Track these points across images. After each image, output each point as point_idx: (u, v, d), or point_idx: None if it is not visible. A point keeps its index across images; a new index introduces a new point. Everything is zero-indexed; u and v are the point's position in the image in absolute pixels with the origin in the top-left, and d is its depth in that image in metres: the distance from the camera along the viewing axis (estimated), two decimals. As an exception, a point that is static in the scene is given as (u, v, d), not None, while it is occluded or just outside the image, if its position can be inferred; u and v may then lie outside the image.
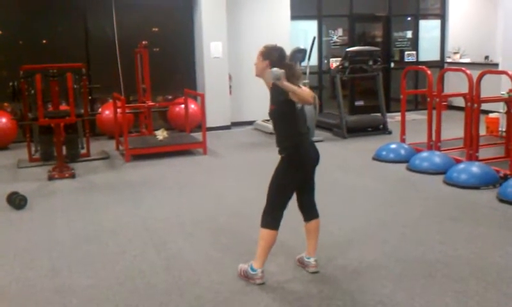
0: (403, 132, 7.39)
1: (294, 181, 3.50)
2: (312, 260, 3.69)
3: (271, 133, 8.65)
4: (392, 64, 11.76)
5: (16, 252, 4.26)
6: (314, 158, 3.54)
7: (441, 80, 7.14)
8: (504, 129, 7.23)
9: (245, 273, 3.58)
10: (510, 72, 6.06)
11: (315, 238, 3.70)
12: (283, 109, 3.40)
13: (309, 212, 3.69)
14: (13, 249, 4.33)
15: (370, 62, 9.23)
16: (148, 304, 3.34)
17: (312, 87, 9.18)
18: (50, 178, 6.56)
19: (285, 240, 4.21)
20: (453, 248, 4.06)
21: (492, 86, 7.26)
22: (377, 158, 7.12)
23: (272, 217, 3.47)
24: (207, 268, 3.83)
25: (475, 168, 5.79)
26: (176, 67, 10.26)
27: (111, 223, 4.89)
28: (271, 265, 3.78)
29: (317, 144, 3.66)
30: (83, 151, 7.67)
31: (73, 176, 6.66)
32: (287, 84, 3.18)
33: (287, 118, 3.43)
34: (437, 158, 6.41)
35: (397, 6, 11.83)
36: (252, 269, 3.53)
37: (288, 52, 9.28)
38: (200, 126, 8.26)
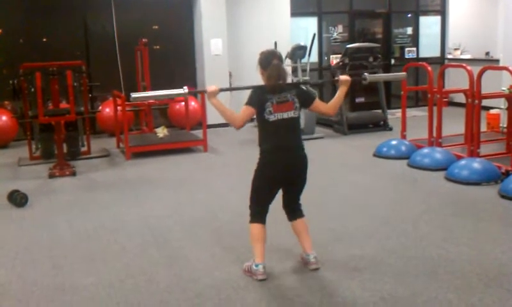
0: (404, 129, 7.37)
1: (265, 185, 3.55)
2: (311, 258, 3.68)
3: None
4: (392, 61, 11.77)
5: (17, 250, 4.26)
6: (286, 170, 3.51)
7: (442, 76, 7.13)
8: (505, 125, 7.21)
9: (249, 269, 3.60)
10: (511, 68, 6.04)
11: (306, 236, 3.70)
12: (256, 117, 3.52)
13: (291, 212, 3.72)
14: (14, 247, 4.33)
15: (371, 59, 9.21)
16: (150, 302, 3.34)
17: (312, 85, 9.22)
18: (51, 176, 6.56)
19: (286, 237, 4.21)
20: (454, 244, 4.06)
21: (493, 82, 7.25)
22: (378, 154, 7.11)
23: (252, 211, 3.59)
24: (208, 266, 3.83)
25: (476, 164, 5.78)
26: (176, 64, 10.24)
27: (111, 221, 4.89)
28: (273, 261, 3.78)
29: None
30: (84, 149, 7.67)
31: (73, 174, 6.65)
32: (214, 102, 3.49)
33: (259, 126, 3.55)
34: (438, 154, 6.40)
35: (397, 3, 11.82)
36: (255, 265, 3.55)
37: (288, 48, 9.30)
38: (201, 123, 8.26)
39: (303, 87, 3.69)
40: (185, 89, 3.64)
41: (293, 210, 3.71)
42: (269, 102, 3.41)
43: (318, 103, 3.64)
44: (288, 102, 3.45)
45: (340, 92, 3.72)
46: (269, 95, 3.43)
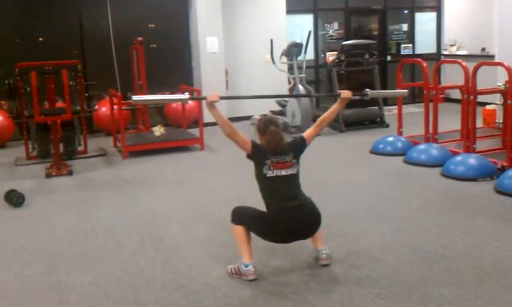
0: (400, 125, 7.39)
1: (264, 233, 3.54)
2: (321, 253, 3.68)
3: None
4: (388, 57, 11.77)
5: (14, 249, 4.26)
6: (294, 229, 3.49)
7: (438, 72, 7.13)
8: (500, 121, 7.23)
9: (237, 271, 3.57)
10: (505, 64, 6.06)
11: (318, 234, 3.69)
12: (255, 172, 3.58)
13: None
14: (10, 246, 4.34)
15: (367, 56, 9.23)
16: (146, 300, 3.34)
17: (308, 82, 9.22)
18: (48, 176, 6.55)
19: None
20: (450, 240, 4.07)
21: (488, 78, 7.27)
22: (375, 151, 7.13)
23: (237, 216, 3.58)
24: (204, 264, 3.83)
25: (472, 160, 5.79)
26: (172, 63, 10.23)
27: (108, 220, 4.90)
28: (269, 259, 3.79)
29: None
30: (80, 148, 7.66)
31: (70, 173, 6.65)
32: (213, 112, 3.69)
33: (258, 183, 3.59)
34: (434, 150, 6.42)
35: (392, -1, 11.84)
36: (244, 265, 3.52)
37: (284, 46, 9.29)
38: (197, 122, 8.26)
39: (292, 140, 3.72)
40: (186, 95, 3.76)
41: None
42: (269, 161, 3.49)
43: (308, 134, 3.72)
44: (287, 162, 3.52)
45: (338, 106, 3.81)
46: (269, 155, 3.51)
